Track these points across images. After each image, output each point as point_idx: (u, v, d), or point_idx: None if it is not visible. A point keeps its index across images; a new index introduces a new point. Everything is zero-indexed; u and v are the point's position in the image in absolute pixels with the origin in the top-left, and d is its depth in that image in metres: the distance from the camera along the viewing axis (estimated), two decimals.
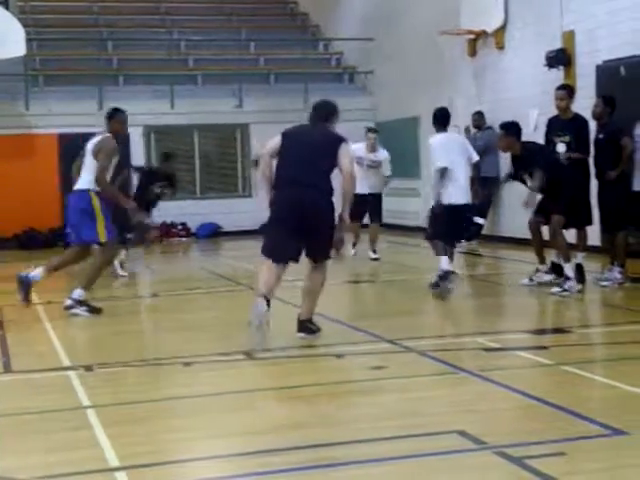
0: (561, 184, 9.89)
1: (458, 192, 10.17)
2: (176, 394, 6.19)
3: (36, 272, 9.85)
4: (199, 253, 18.34)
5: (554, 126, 10.38)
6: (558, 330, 8.02)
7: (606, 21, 13.28)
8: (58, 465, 4.74)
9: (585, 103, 12.34)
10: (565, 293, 9.60)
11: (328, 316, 9.05)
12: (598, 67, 13.22)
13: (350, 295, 11.40)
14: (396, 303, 10.21)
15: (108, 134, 9.96)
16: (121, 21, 23.19)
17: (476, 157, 10.59)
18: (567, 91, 10.49)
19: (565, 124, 10.24)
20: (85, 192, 9.72)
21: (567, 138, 10.16)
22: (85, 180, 9.79)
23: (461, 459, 4.66)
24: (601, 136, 10.29)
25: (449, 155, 10.19)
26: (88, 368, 7.03)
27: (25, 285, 9.83)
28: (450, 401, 5.84)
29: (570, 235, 10.34)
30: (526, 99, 14.84)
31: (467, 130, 16.07)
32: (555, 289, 9.74)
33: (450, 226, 10.20)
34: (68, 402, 6.02)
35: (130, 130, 19.49)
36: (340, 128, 19.66)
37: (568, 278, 9.72)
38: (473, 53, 16.74)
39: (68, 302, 9.69)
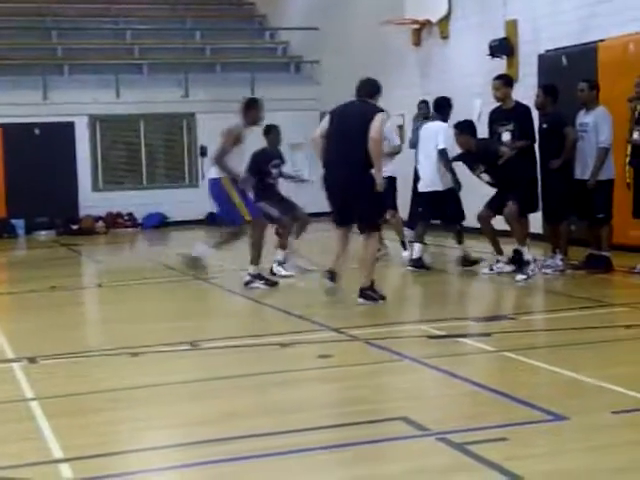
0: (513, 174, 10.00)
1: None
2: (122, 385, 6.16)
3: (203, 248, 10.16)
4: (145, 243, 18.25)
5: (497, 116, 10.45)
6: (501, 317, 8.11)
7: (549, 11, 13.44)
8: (1, 457, 4.70)
9: (528, 92, 12.47)
10: (530, 280, 9.70)
11: (274, 305, 9.08)
12: (540, 56, 13.36)
13: (295, 285, 11.41)
14: (342, 292, 10.23)
15: (239, 122, 10.11)
16: (66, 10, 22.91)
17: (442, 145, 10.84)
18: (503, 80, 10.51)
19: (507, 113, 10.31)
20: (217, 180, 9.93)
21: (511, 126, 10.21)
22: (215, 169, 10.02)
23: (405, 445, 4.71)
24: (544, 125, 10.41)
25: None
26: (32, 360, 6.97)
27: (198, 262, 10.12)
28: (394, 388, 5.90)
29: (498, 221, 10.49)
30: (470, 88, 14.95)
31: (416, 119, 16.07)
32: (519, 276, 9.82)
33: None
34: (11, 394, 5.98)
35: (75, 119, 19.55)
36: (286, 117, 19.69)
37: (528, 262, 9.84)
38: (418, 42, 16.83)
39: (247, 278, 10.02)
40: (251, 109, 10.22)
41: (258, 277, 10.08)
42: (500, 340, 7.18)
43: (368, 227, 8.77)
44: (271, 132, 11.80)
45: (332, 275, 8.89)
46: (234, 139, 9.84)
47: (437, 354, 6.67)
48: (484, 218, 10.34)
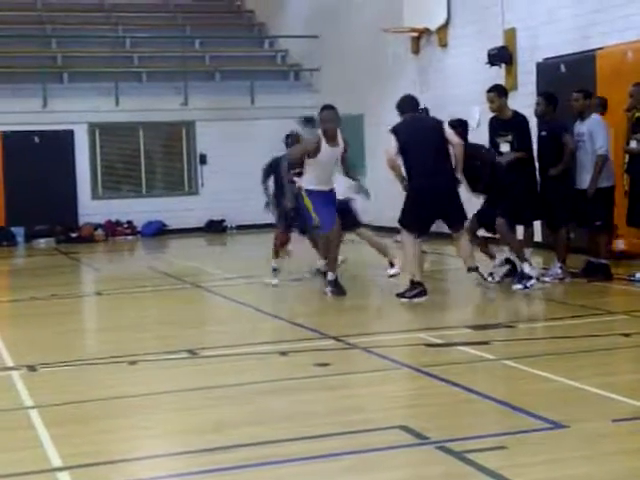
0: (503, 187, 10.00)
1: None
2: (121, 393, 6.16)
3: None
4: (145, 251, 18.25)
5: (495, 127, 10.40)
6: (500, 325, 8.11)
7: (547, 19, 13.46)
8: (1, 465, 4.70)
9: (526, 100, 12.50)
10: (526, 290, 9.68)
11: (272, 313, 9.08)
12: (539, 65, 13.38)
13: (293, 292, 11.41)
14: (340, 300, 10.23)
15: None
16: (65, 18, 22.93)
17: None
18: (496, 92, 10.40)
19: (505, 124, 10.23)
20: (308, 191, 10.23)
21: (509, 137, 10.17)
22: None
23: (403, 454, 4.71)
24: (543, 133, 10.41)
25: None
26: (31, 368, 6.98)
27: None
28: (393, 397, 5.90)
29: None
30: (469, 96, 14.97)
31: None
32: (516, 286, 9.80)
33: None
34: (11, 402, 5.98)
35: (74, 127, 19.56)
36: (287, 125, 19.77)
37: (530, 277, 9.78)
38: (417, 51, 16.86)
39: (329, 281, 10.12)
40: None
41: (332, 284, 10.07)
42: (499, 348, 7.19)
43: (461, 224, 9.77)
44: (290, 139, 11.91)
45: (423, 289, 9.38)
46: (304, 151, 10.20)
47: (435, 362, 6.67)
48: (471, 230, 10.28)
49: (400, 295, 9.46)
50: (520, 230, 10.65)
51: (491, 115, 10.57)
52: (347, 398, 5.84)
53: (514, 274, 10.10)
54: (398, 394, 5.95)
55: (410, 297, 9.38)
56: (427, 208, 9.52)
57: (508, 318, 8.72)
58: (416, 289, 9.42)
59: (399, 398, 5.83)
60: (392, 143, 9.62)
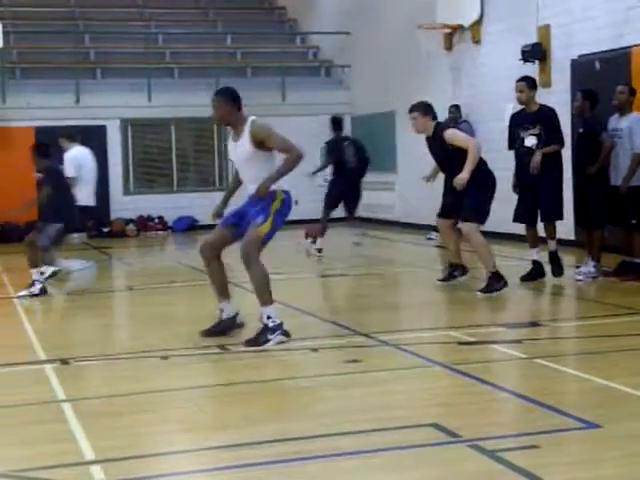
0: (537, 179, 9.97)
1: None
2: (152, 388, 6.19)
3: None
4: (175, 247, 18.31)
5: (520, 120, 10.24)
6: (533, 323, 8.07)
7: (581, 15, 13.35)
8: (34, 458, 4.74)
9: (560, 97, 12.44)
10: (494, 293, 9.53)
11: (303, 309, 9.08)
12: (573, 61, 13.28)
13: (325, 288, 11.42)
14: (372, 297, 10.24)
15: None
16: (98, 14, 23.07)
17: None
18: (526, 82, 10.26)
19: (532, 116, 10.09)
20: None
21: (537, 130, 10.02)
22: None
23: (435, 452, 4.69)
24: (581, 130, 10.31)
25: None
26: (64, 361, 7.02)
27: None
28: (424, 394, 5.88)
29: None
30: (502, 93, 14.87)
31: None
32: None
33: None
34: (44, 395, 6.02)
35: (107, 123, 19.67)
36: (316, 121, 19.75)
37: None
38: (450, 47, 16.78)
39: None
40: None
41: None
42: (531, 347, 7.15)
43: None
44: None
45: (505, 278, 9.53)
46: None
47: (468, 360, 6.64)
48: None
49: (486, 290, 9.44)
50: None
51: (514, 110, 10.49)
52: (378, 395, 5.82)
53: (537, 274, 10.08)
54: (430, 392, 5.92)
55: (499, 289, 9.41)
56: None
57: (540, 317, 8.67)
58: (501, 280, 9.44)
59: (431, 396, 5.81)
60: (463, 135, 9.85)
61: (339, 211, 14.64)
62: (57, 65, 20.49)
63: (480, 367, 6.40)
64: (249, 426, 5.21)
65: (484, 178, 9.63)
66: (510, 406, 5.54)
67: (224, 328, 7.66)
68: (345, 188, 14.27)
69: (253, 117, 7.45)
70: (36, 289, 10.26)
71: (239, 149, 7.45)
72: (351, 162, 14.32)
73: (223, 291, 7.71)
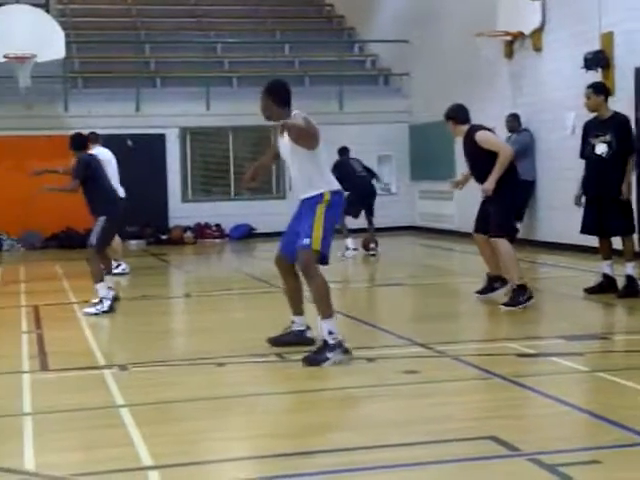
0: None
1: None
2: (209, 394, 6.20)
3: None
4: (232, 254, 18.39)
5: (592, 127, 10.04)
6: (594, 336, 7.91)
7: None
8: (92, 463, 4.77)
9: (624, 106, 12.23)
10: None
11: (360, 319, 9.04)
12: (637, 69, 13.09)
13: (383, 298, 11.37)
14: (430, 307, 10.16)
15: None
16: (158, 24, 23.31)
17: None
18: (593, 89, 10.07)
19: (603, 124, 9.89)
20: None
21: (608, 137, 9.78)
22: None
23: (494, 465, 4.62)
24: None
25: None
26: (123, 367, 7.07)
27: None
28: (483, 406, 5.80)
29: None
30: (563, 101, 14.73)
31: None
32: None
33: None
34: (102, 401, 6.06)
35: (166, 131, 19.85)
36: (375, 130, 19.75)
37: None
38: (510, 55, 16.64)
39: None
40: None
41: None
42: (593, 360, 7.03)
43: None
44: None
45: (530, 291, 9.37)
46: None
47: (527, 373, 6.56)
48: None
49: (510, 304, 9.24)
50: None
51: (587, 118, 10.32)
52: (436, 406, 5.76)
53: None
54: (489, 404, 5.85)
55: (523, 302, 9.22)
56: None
57: (603, 329, 8.53)
58: (526, 293, 9.28)
59: (489, 408, 5.73)
60: (495, 138, 9.69)
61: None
62: (118, 74, 20.73)
63: (540, 380, 6.31)
64: (304, 435, 5.19)
65: (512, 187, 9.49)
66: (571, 420, 5.45)
67: (291, 340, 7.55)
68: (362, 193, 14.94)
69: (296, 111, 7.20)
70: (105, 306, 9.82)
71: (284, 146, 7.25)
72: (359, 171, 14.99)
73: (296, 307, 7.61)
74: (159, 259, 16.42)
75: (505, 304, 9.32)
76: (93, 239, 10.02)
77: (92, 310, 9.78)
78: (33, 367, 7.23)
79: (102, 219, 10.09)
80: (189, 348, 8.20)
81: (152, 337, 8.66)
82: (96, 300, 9.84)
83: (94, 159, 10.64)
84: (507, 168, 9.41)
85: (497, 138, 9.87)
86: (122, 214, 10.60)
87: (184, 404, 5.98)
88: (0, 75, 18.46)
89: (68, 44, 18.81)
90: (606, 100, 10.07)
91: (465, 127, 9.73)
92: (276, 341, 7.60)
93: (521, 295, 9.28)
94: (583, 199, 10.11)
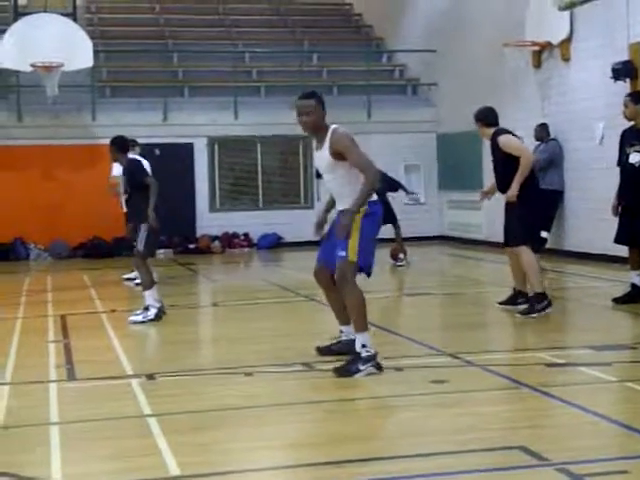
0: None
1: None
2: (237, 404, 6.21)
3: None
4: (260, 263, 18.42)
5: (628, 136, 9.98)
6: (623, 346, 7.87)
7: None
8: (120, 472, 4.79)
9: None
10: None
11: (388, 328, 9.03)
12: None
13: (411, 307, 11.35)
14: (458, 316, 10.13)
15: None
16: (186, 33, 23.42)
17: None
18: (631, 97, 10.06)
19: (638, 133, 9.85)
20: None
21: None
22: None
23: (523, 475, 4.60)
24: None
25: None
26: (150, 377, 7.10)
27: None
28: (512, 416, 5.78)
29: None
30: (591, 111, 14.66)
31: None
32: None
33: None
34: (130, 410, 6.09)
35: (194, 141, 19.94)
36: (403, 140, 19.70)
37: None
38: (538, 65, 16.58)
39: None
40: None
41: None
42: (621, 370, 6.99)
43: None
44: None
45: (549, 300, 9.42)
46: None
47: (556, 383, 6.53)
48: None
49: (527, 312, 9.27)
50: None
51: (613, 132, 10.25)
52: (464, 416, 5.74)
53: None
54: (517, 414, 5.82)
55: (541, 310, 9.22)
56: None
57: (632, 339, 8.46)
58: (544, 301, 9.25)
59: (518, 418, 5.71)
60: (517, 142, 9.64)
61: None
62: (146, 84, 20.84)
63: (568, 390, 6.27)
64: (333, 445, 5.18)
65: (531, 196, 9.46)
66: (599, 430, 5.41)
67: (341, 349, 7.46)
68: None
69: (335, 125, 7.12)
70: (152, 314, 9.85)
71: (320, 160, 7.17)
72: None
73: (341, 316, 7.54)
74: (187, 268, 16.48)
75: (521, 312, 9.34)
76: (140, 246, 10.01)
77: (139, 318, 9.82)
78: (60, 376, 7.27)
79: (146, 226, 10.02)
80: (217, 357, 8.22)
81: (180, 346, 8.68)
82: (142, 309, 9.89)
83: (142, 163, 10.67)
84: (527, 176, 9.41)
85: (520, 143, 9.81)
86: (164, 221, 10.55)
87: (212, 413, 5.99)
88: (28, 84, 18.66)
89: (96, 53, 18.95)
90: None
91: (492, 130, 9.75)
92: (325, 350, 7.58)
93: (539, 303, 9.28)
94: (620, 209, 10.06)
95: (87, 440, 5.46)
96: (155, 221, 9.95)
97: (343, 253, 6.98)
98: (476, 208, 18.77)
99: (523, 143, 10.23)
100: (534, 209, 9.62)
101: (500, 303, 9.97)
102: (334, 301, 7.48)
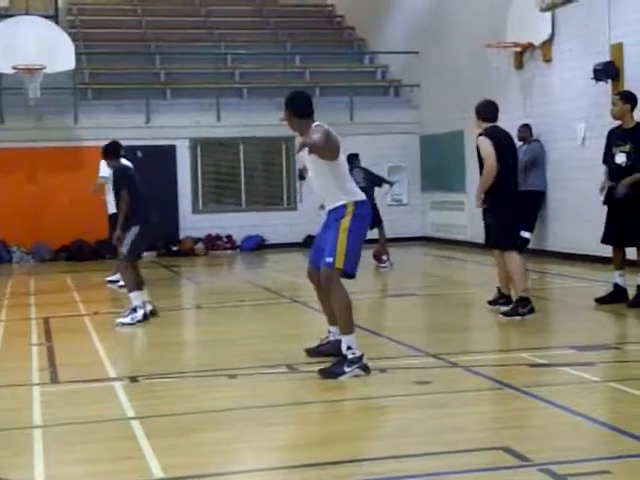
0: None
1: None
2: (220, 406, 6.20)
3: None
4: (244, 265, 18.40)
5: (614, 136, 9.97)
6: (605, 347, 7.89)
7: None
8: (103, 475, 4.78)
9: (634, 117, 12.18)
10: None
11: (372, 330, 9.03)
12: None
13: (395, 309, 11.36)
14: (441, 317, 10.15)
15: None
16: (169, 35, 23.39)
17: None
18: (620, 95, 10.06)
19: (625, 133, 9.82)
20: None
21: (627, 147, 9.70)
22: None
23: (506, 476, 4.61)
24: None
25: None
26: (133, 379, 7.08)
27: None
28: (495, 417, 5.80)
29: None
30: (573, 112, 14.72)
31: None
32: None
33: None
34: (113, 413, 6.07)
35: (176, 142, 19.90)
36: (386, 141, 19.74)
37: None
38: (520, 66, 16.64)
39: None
40: None
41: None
42: (604, 370, 7.02)
43: None
44: None
45: (532, 305, 9.34)
46: None
47: (539, 383, 6.54)
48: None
49: (510, 313, 9.30)
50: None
51: (594, 133, 10.28)
52: (448, 417, 5.75)
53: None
54: (500, 414, 5.84)
55: (523, 314, 9.23)
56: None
57: (615, 339, 8.50)
58: (527, 305, 9.28)
59: (501, 419, 5.72)
60: (489, 148, 9.44)
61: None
62: (128, 86, 20.77)
63: (551, 390, 6.29)
64: (318, 446, 5.18)
65: (506, 203, 9.46)
66: (582, 430, 5.43)
67: (329, 350, 7.44)
68: None
69: (317, 122, 7.17)
70: (139, 315, 9.84)
71: (305, 157, 7.19)
72: (361, 182, 14.67)
73: (331, 318, 7.53)
74: (170, 270, 16.45)
75: (505, 313, 9.37)
76: (124, 249, 10.03)
77: (127, 320, 9.80)
78: (43, 379, 7.24)
79: (135, 229, 10.10)
80: (200, 360, 8.20)
81: (163, 349, 8.66)
82: (130, 311, 9.88)
83: (130, 168, 10.74)
84: (499, 183, 9.38)
85: (491, 149, 9.49)
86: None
87: (195, 416, 5.97)
88: (10, 86, 18.58)
89: (78, 55, 18.87)
90: (632, 110, 9.98)
91: (483, 125, 9.76)
92: (313, 352, 7.58)
93: (522, 307, 9.30)
94: (604, 191, 10.04)
95: (70, 443, 5.44)
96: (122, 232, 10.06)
97: (330, 259, 6.98)
98: (459, 209, 18.83)
99: (515, 145, 10.22)
100: (513, 213, 9.58)
101: (489, 303, 10.04)
102: (325, 301, 7.48)
